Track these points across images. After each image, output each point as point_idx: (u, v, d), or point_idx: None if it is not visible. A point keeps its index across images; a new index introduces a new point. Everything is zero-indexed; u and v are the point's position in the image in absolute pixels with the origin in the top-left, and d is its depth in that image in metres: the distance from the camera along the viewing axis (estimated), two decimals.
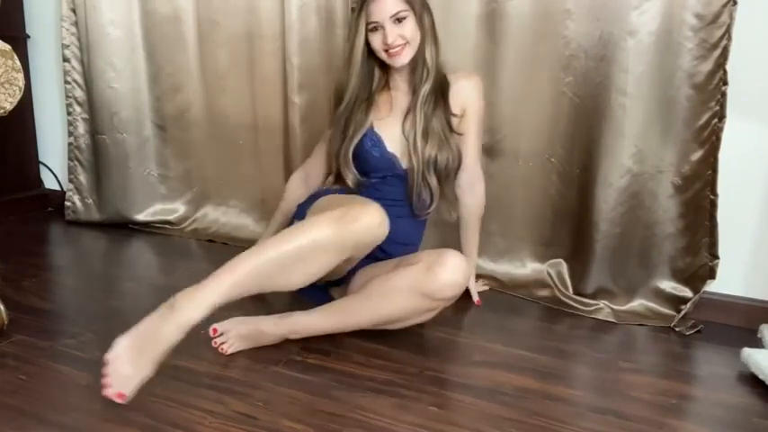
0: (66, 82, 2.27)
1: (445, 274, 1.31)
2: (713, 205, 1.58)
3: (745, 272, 1.66)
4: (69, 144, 2.33)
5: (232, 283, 1.16)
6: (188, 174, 2.27)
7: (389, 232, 1.43)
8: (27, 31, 2.38)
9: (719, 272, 1.62)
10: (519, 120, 1.76)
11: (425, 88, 1.50)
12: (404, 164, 1.54)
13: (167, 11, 2.10)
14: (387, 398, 1.24)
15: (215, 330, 1.39)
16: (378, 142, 1.53)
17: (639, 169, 1.63)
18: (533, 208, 1.82)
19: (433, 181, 1.51)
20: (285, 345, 1.42)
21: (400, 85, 1.56)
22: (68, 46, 2.24)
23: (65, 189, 2.42)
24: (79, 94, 2.28)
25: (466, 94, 1.57)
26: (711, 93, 1.53)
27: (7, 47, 1.35)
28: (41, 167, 2.53)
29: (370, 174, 1.54)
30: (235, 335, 1.39)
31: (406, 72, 1.54)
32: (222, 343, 1.38)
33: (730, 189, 1.57)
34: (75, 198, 2.36)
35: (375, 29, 1.46)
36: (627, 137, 1.61)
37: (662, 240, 1.67)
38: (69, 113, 2.30)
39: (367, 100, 1.53)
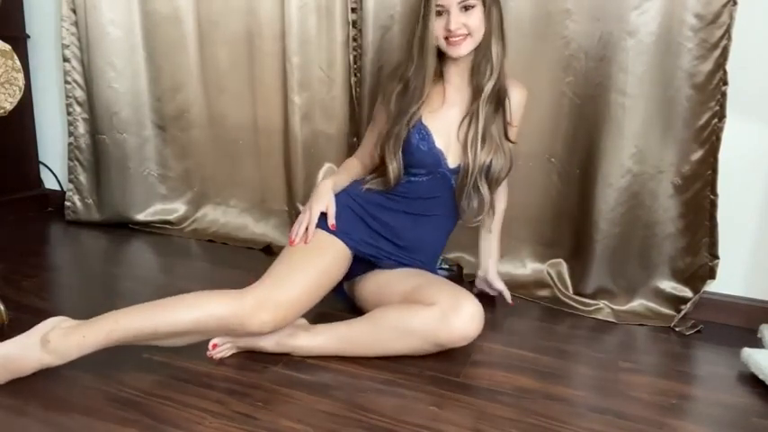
0: (67, 82, 2.27)
1: (460, 325, 1.30)
2: (713, 205, 1.58)
3: (745, 272, 1.66)
4: (69, 144, 2.33)
5: (111, 337, 1.22)
6: (188, 174, 2.27)
7: (417, 233, 1.48)
8: (27, 31, 2.37)
9: (719, 272, 1.62)
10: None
11: (489, 87, 1.43)
12: (450, 162, 1.49)
13: (167, 11, 2.10)
14: (387, 398, 1.24)
15: (215, 345, 1.35)
16: (426, 136, 1.47)
17: (639, 169, 1.63)
18: (533, 208, 1.82)
19: (485, 188, 1.48)
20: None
21: (454, 78, 1.49)
22: (68, 46, 2.24)
23: (65, 189, 2.42)
24: (79, 94, 2.28)
25: (520, 107, 1.54)
26: (711, 93, 1.53)
27: (7, 47, 1.36)
28: (41, 167, 2.53)
29: (414, 168, 1.49)
30: (232, 346, 1.37)
31: (464, 66, 1.47)
32: (218, 353, 1.36)
33: (730, 189, 1.57)
34: (75, 198, 2.36)
35: (440, 13, 1.40)
36: (627, 137, 1.61)
37: (662, 240, 1.67)
38: (69, 113, 2.30)
39: (420, 89, 1.46)
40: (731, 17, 1.47)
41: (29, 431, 1.10)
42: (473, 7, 1.39)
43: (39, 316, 1.54)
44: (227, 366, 1.33)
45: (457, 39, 1.40)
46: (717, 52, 1.51)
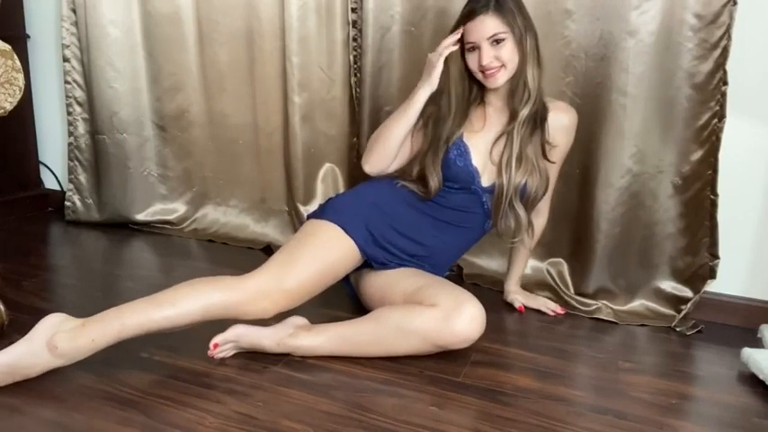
0: (67, 82, 2.27)
1: (462, 327, 1.30)
2: (713, 205, 1.58)
3: (745, 272, 1.66)
4: (69, 144, 2.33)
5: (116, 337, 1.24)
6: (188, 174, 2.27)
7: (440, 239, 1.51)
8: (27, 31, 2.37)
9: (720, 272, 1.62)
10: None
11: (524, 112, 1.45)
12: (484, 182, 1.50)
13: (167, 10, 2.10)
14: (387, 398, 1.24)
15: (216, 346, 1.35)
16: (464, 153, 1.49)
17: (640, 169, 1.63)
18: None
19: (521, 208, 1.48)
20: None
21: (495, 102, 1.52)
22: (68, 46, 2.24)
23: (65, 189, 2.42)
24: (79, 94, 2.28)
25: (559, 127, 1.52)
26: (711, 93, 1.53)
27: (7, 47, 1.35)
28: (41, 167, 2.53)
29: (448, 182, 1.51)
30: (233, 346, 1.37)
31: (503, 91, 1.50)
32: (218, 352, 1.36)
33: (730, 189, 1.57)
34: (75, 198, 2.36)
35: (472, 48, 1.44)
36: (627, 137, 1.61)
37: (662, 240, 1.67)
38: (69, 113, 2.30)
39: (463, 112, 1.51)
40: (731, 17, 1.47)
41: (29, 431, 1.10)
42: (503, 40, 1.41)
43: (39, 316, 1.53)
44: (227, 366, 1.33)
45: (492, 71, 1.43)
46: (717, 52, 1.51)
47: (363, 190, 1.54)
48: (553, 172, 1.58)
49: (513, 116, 1.48)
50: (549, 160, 1.51)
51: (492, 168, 1.50)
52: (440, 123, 1.50)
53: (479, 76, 1.46)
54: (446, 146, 1.49)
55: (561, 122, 1.53)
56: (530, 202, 1.50)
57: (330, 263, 1.41)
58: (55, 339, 1.20)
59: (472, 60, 1.45)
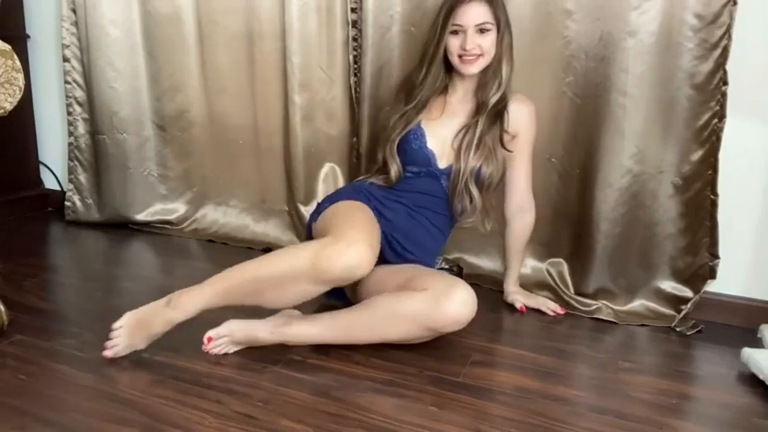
0: (67, 82, 2.27)
1: (452, 309, 1.31)
2: (713, 205, 1.58)
3: (745, 272, 1.66)
4: (69, 144, 2.33)
5: (219, 293, 1.33)
6: (188, 174, 2.27)
7: (412, 224, 1.54)
8: (27, 31, 2.37)
9: (720, 272, 1.62)
10: None
11: (493, 101, 1.52)
12: (441, 164, 1.56)
13: (167, 11, 2.10)
14: (387, 398, 1.24)
15: (210, 339, 1.36)
16: (420, 137, 1.56)
17: (640, 169, 1.63)
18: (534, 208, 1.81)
19: (475, 191, 1.53)
20: (285, 345, 1.42)
21: (459, 92, 1.59)
22: (68, 46, 2.24)
23: (65, 189, 2.42)
24: (79, 94, 2.28)
25: (521, 119, 1.59)
26: (711, 93, 1.53)
27: (7, 47, 1.35)
28: (41, 167, 2.53)
29: (408, 165, 1.58)
30: (228, 341, 1.37)
31: (472, 81, 1.56)
32: (213, 348, 1.37)
33: (730, 189, 1.57)
34: (75, 198, 2.36)
35: (456, 32, 1.49)
36: (627, 137, 1.61)
37: (662, 240, 1.67)
38: (69, 113, 2.30)
39: (426, 100, 1.57)
40: (731, 17, 1.47)
41: (29, 431, 1.10)
42: (488, 30, 1.48)
43: (39, 316, 1.55)
44: (227, 366, 1.33)
45: (471, 58, 1.49)
46: (717, 52, 1.51)
47: (357, 196, 1.56)
48: (524, 166, 1.64)
49: (480, 106, 1.54)
50: (506, 149, 1.56)
51: (450, 152, 1.56)
52: (407, 106, 1.57)
53: (456, 60, 1.51)
54: (403, 132, 1.56)
55: (521, 113, 1.58)
56: (484, 187, 1.55)
57: (370, 214, 1.48)
58: (172, 293, 1.33)
59: (455, 43, 1.49)
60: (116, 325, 1.32)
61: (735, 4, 1.46)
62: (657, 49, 1.55)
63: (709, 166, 1.57)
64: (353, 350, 1.42)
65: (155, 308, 1.33)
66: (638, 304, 1.71)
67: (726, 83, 1.51)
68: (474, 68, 1.50)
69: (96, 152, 2.29)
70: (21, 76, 1.38)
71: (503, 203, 1.69)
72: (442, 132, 1.57)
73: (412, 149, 1.56)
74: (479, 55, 1.49)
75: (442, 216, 1.60)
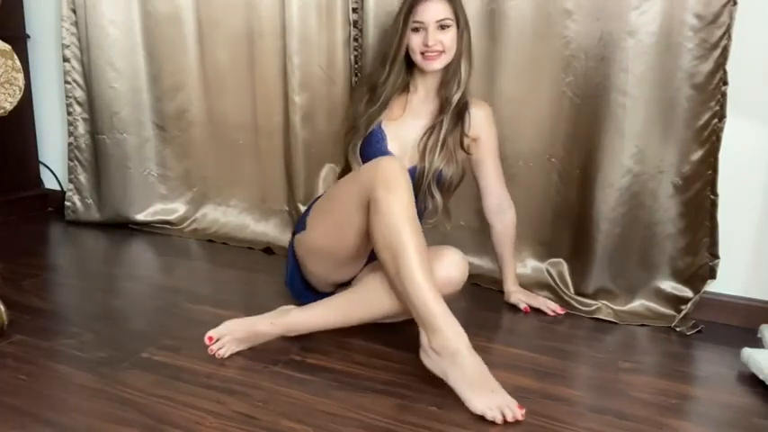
0: (67, 82, 2.27)
1: (443, 271, 1.33)
2: (713, 205, 1.58)
3: (745, 272, 1.66)
4: (69, 144, 2.33)
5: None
6: (188, 174, 2.27)
7: None
8: (27, 31, 2.38)
9: (720, 272, 1.61)
10: (519, 120, 1.76)
11: (455, 98, 1.54)
12: None
13: (167, 10, 2.10)
14: (387, 398, 1.24)
15: (210, 339, 1.37)
16: (380, 139, 1.56)
17: (640, 169, 1.63)
18: (534, 208, 1.81)
19: (437, 193, 1.55)
20: (285, 345, 1.42)
21: (421, 91, 1.60)
22: (68, 46, 2.24)
23: (65, 189, 2.42)
24: (79, 94, 2.28)
25: (479, 123, 1.61)
26: (711, 93, 1.53)
27: (7, 47, 1.35)
28: (41, 167, 2.53)
29: None
30: (230, 339, 1.38)
31: (434, 81, 1.58)
32: (219, 349, 1.37)
33: (730, 189, 1.57)
34: (75, 198, 2.36)
35: (417, 29, 1.50)
36: (627, 137, 1.61)
37: (662, 240, 1.67)
38: (69, 113, 2.30)
39: (387, 100, 1.58)
40: (731, 17, 1.47)
41: (29, 431, 1.10)
42: (449, 27, 1.50)
43: (39, 316, 1.55)
44: (227, 366, 1.33)
45: (433, 54, 1.51)
46: (717, 52, 1.51)
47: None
48: (493, 166, 1.66)
49: (443, 105, 1.56)
50: (465, 151, 1.59)
51: (412, 153, 1.56)
52: (369, 105, 1.58)
53: (418, 57, 1.52)
54: (365, 132, 1.56)
55: (479, 116, 1.61)
56: (445, 189, 1.56)
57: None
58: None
59: (416, 40, 1.51)
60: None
61: (735, 4, 1.46)
62: (657, 49, 1.55)
63: (709, 166, 1.57)
64: (353, 350, 1.42)
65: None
66: (638, 304, 1.71)
67: (726, 83, 1.51)
68: (437, 64, 1.51)
69: (96, 152, 2.29)
70: (21, 76, 1.38)
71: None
72: (402, 133, 1.57)
73: (373, 152, 1.54)
74: (441, 51, 1.50)
75: None
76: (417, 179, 1.53)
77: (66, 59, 2.26)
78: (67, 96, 2.29)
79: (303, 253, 1.51)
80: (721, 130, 1.54)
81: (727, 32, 1.48)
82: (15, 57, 1.36)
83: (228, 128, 2.16)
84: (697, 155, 1.58)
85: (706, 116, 1.55)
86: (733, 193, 1.58)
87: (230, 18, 2.04)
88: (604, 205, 1.66)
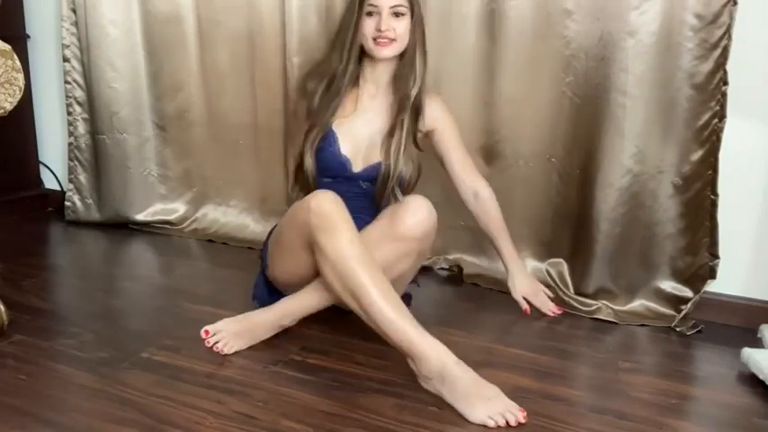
0: (67, 82, 2.27)
1: (408, 213, 1.35)
2: (713, 205, 1.58)
3: (745, 272, 1.66)
4: (69, 144, 2.33)
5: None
6: (188, 174, 2.27)
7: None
8: (27, 31, 2.37)
9: (720, 272, 1.61)
10: (519, 120, 1.76)
11: (413, 93, 1.52)
12: (355, 167, 1.54)
13: (168, 10, 2.10)
14: (387, 398, 1.24)
15: (207, 332, 1.39)
16: (333, 143, 1.53)
17: (640, 169, 1.63)
18: (534, 208, 1.81)
19: (400, 195, 1.52)
20: (284, 345, 1.42)
21: (370, 86, 1.57)
22: (68, 46, 2.24)
23: (65, 189, 2.42)
24: (79, 94, 2.28)
25: (435, 115, 1.59)
26: (711, 93, 1.53)
27: (7, 47, 1.35)
28: (41, 167, 2.53)
29: (325, 175, 1.55)
30: (228, 333, 1.39)
31: (384, 73, 1.55)
32: (216, 343, 1.38)
33: (730, 189, 1.57)
34: (75, 198, 2.36)
35: (371, 14, 1.47)
36: (627, 137, 1.61)
37: (662, 240, 1.66)
38: (69, 113, 2.30)
39: (341, 90, 1.53)
40: (731, 17, 1.47)
41: (29, 431, 1.10)
42: (403, 15, 1.48)
43: (39, 316, 1.55)
44: (227, 366, 1.33)
45: (384, 41, 1.47)
46: (717, 52, 1.51)
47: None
48: (458, 153, 1.63)
49: (401, 103, 1.52)
50: (418, 148, 1.57)
51: (366, 153, 1.54)
52: (326, 96, 1.53)
53: (370, 43, 1.49)
54: (324, 130, 1.52)
55: (431, 108, 1.58)
56: (404, 187, 1.54)
57: None
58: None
59: (369, 25, 1.47)
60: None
61: (735, 4, 1.46)
62: (657, 49, 1.55)
63: (709, 166, 1.57)
64: (353, 350, 1.42)
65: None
66: (638, 304, 1.71)
67: (726, 83, 1.51)
68: (387, 51, 1.48)
69: (96, 152, 2.29)
70: (21, 76, 1.38)
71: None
72: (354, 132, 1.55)
73: (325, 157, 1.53)
74: (393, 39, 1.47)
75: (365, 217, 1.51)
76: (382, 181, 1.51)
77: (66, 59, 2.26)
78: (67, 96, 2.29)
79: (279, 283, 1.52)
80: (721, 130, 1.54)
81: (728, 32, 1.48)
82: (15, 57, 1.36)
83: (228, 128, 2.16)
84: (697, 155, 1.58)
85: (706, 116, 1.55)
86: (733, 193, 1.58)
87: (230, 18, 2.04)
88: (604, 205, 1.66)
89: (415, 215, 1.36)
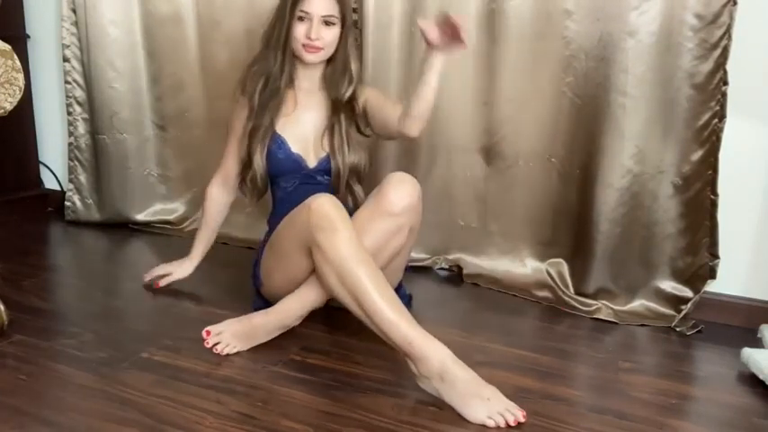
0: (67, 82, 2.27)
1: (391, 188, 1.36)
2: (713, 205, 1.58)
3: (745, 272, 1.66)
4: (69, 144, 2.33)
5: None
6: (188, 174, 2.27)
7: None
8: (27, 31, 2.37)
9: (720, 272, 1.61)
10: (519, 120, 1.76)
11: (347, 95, 1.53)
12: (310, 163, 1.56)
13: (168, 10, 2.10)
14: (386, 398, 1.24)
15: (208, 333, 1.39)
16: (282, 144, 1.54)
17: (640, 169, 1.63)
18: (534, 208, 1.82)
19: (358, 188, 1.56)
20: (284, 344, 1.42)
21: (305, 83, 1.58)
22: (68, 46, 2.24)
23: (65, 189, 2.42)
24: (79, 94, 2.28)
25: (364, 97, 1.57)
26: (711, 93, 1.53)
27: (7, 47, 1.35)
28: (41, 167, 2.53)
29: (279, 177, 1.56)
30: (228, 334, 1.39)
31: (315, 73, 1.56)
32: (217, 343, 1.38)
33: (730, 189, 1.57)
34: (75, 198, 2.36)
35: (302, 18, 1.47)
36: (627, 137, 1.61)
37: (662, 240, 1.67)
38: (69, 113, 2.30)
39: (278, 90, 1.54)
40: (731, 17, 1.47)
41: (28, 431, 1.10)
42: (333, 25, 1.49)
43: (39, 316, 1.55)
44: (227, 366, 1.33)
45: (313, 49, 1.49)
46: (717, 52, 1.51)
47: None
48: (390, 103, 1.54)
49: (335, 105, 1.55)
50: (363, 134, 1.58)
51: (315, 146, 1.56)
52: (264, 93, 1.53)
53: (298, 46, 1.49)
54: (264, 141, 1.52)
55: (359, 92, 1.57)
56: (360, 177, 1.58)
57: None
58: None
59: (299, 30, 1.47)
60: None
61: (735, 4, 1.46)
62: (657, 49, 1.55)
63: (709, 166, 1.57)
64: (353, 350, 1.42)
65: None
66: (638, 304, 1.71)
67: (726, 83, 1.51)
68: (314, 58, 1.50)
69: (96, 152, 2.29)
70: (21, 76, 1.38)
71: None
72: (299, 130, 1.56)
73: (278, 159, 1.53)
74: (321, 48, 1.49)
75: None
76: (334, 179, 1.54)
77: (66, 59, 2.25)
78: (67, 96, 2.29)
79: (275, 296, 1.51)
80: (721, 130, 1.54)
81: (728, 32, 1.48)
82: (15, 57, 1.36)
83: None
84: (697, 155, 1.58)
85: (706, 116, 1.55)
86: (733, 193, 1.58)
87: (230, 18, 2.04)
88: (604, 205, 1.66)
89: (397, 190, 1.37)
